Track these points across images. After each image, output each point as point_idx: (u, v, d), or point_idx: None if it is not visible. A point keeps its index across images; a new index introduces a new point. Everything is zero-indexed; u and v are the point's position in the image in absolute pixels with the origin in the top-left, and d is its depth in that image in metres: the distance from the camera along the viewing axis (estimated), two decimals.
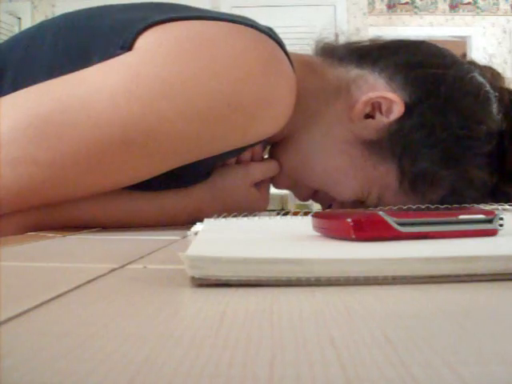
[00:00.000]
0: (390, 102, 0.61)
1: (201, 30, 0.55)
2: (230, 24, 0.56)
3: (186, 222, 0.63)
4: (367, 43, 0.69)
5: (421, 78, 0.62)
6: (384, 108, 0.62)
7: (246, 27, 0.56)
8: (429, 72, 0.62)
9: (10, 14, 3.94)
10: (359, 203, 0.69)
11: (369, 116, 0.63)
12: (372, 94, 0.62)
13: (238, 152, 0.63)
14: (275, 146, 0.71)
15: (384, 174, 0.64)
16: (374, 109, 0.63)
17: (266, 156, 0.74)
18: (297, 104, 0.60)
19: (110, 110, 0.49)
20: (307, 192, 0.72)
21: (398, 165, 0.63)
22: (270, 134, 0.59)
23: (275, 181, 0.73)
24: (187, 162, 0.57)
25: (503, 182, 0.64)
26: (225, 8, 3.88)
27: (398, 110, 0.61)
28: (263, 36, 0.56)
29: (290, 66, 0.57)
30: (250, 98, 0.53)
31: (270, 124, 0.57)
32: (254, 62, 0.54)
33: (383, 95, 0.62)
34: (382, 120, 0.62)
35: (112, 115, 0.49)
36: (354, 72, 0.65)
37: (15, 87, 0.55)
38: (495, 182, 0.64)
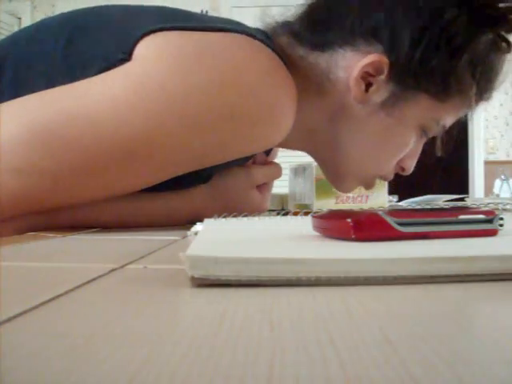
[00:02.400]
0: (372, 64, 0.60)
1: (202, 41, 0.55)
2: (228, 34, 0.56)
3: (187, 222, 0.63)
4: (309, 20, 0.65)
5: (374, 24, 0.60)
6: (373, 72, 0.61)
7: (243, 36, 0.56)
8: (374, 15, 0.60)
9: (10, 14, 3.94)
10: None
11: (368, 85, 0.62)
12: (355, 73, 0.61)
13: (242, 160, 0.63)
14: (323, 162, 0.71)
15: (423, 106, 0.63)
16: (366, 78, 0.62)
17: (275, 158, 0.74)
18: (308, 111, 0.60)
19: (113, 122, 0.49)
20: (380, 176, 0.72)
21: (423, 91, 0.62)
22: (274, 143, 0.59)
23: (344, 191, 0.74)
24: (191, 170, 0.57)
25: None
26: (225, 8, 3.88)
27: (383, 62, 0.60)
28: (261, 45, 0.56)
29: (289, 74, 0.57)
30: (253, 108, 0.53)
31: (273, 133, 0.57)
32: (255, 72, 0.54)
33: (362, 65, 0.60)
34: (381, 79, 0.61)
35: (115, 127, 0.49)
36: (322, 59, 0.63)
37: (15, 85, 0.55)
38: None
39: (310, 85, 0.64)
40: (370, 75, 0.61)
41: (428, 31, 0.59)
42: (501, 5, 0.60)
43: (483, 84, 0.63)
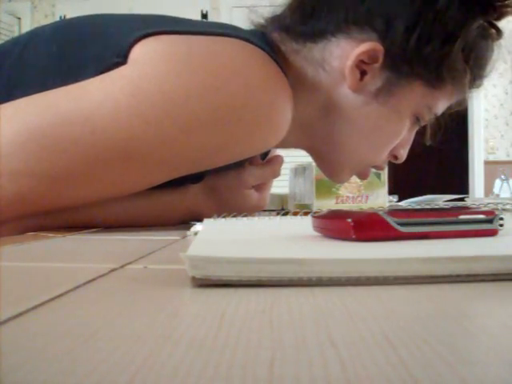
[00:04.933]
0: (367, 52, 0.60)
1: (198, 45, 0.55)
2: (225, 38, 0.56)
3: (183, 219, 0.64)
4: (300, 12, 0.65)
5: (367, 11, 0.60)
6: (368, 60, 0.61)
7: (238, 40, 0.56)
8: (367, 3, 0.60)
9: (10, 14, 3.94)
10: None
11: (363, 74, 0.62)
12: (350, 62, 0.60)
13: (237, 164, 0.63)
14: (318, 155, 0.71)
15: (417, 94, 0.63)
16: (361, 67, 0.61)
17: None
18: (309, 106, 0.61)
19: (111, 126, 0.49)
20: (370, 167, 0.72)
21: (417, 78, 0.62)
22: (270, 146, 0.60)
23: (340, 182, 0.75)
24: (188, 173, 0.57)
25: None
26: (225, 8, 3.88)
27: (378, 50, 0.60)
28: (256, 49, 0.56)
29: (285, 78, 0.57)
30: (250, 112, 0.54)
31: (270, 137, 0.57)
32: (253, 76, 0.54)
33: (357, 54, 0.60)
34: (375, 67, 0.61)
35: (113, 131, 0.49)
36: (316, 51, 0.63)
37: (8, 88, 0.55)
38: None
39: (305, 79, 0.64)
40: (365, 63, 0.61)
41: (422, 18, 0.59)
42: None
43: (476, 70, 0.64)
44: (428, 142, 0.73)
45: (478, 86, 0.68)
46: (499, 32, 0.64)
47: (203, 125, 0.52)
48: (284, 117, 0.57)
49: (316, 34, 0.62)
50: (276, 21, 0.66)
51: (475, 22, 0.61)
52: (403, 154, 0.71)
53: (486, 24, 0.62)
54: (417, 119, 0.66)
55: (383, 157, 0.69)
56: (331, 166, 0.71)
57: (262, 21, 0.67)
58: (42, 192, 0.50)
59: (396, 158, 0.71)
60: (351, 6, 0.60)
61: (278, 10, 0.66)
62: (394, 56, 0.60)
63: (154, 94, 0.50)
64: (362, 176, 0.73)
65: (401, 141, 0.68)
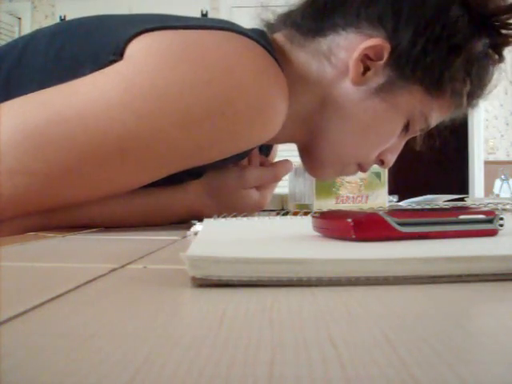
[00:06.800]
0: (373, 47, 0.61)
1: (192, 39, 0.55)
2: (220, 32, 0.56)
3: (183, 218, 0.64)
4: (312, 6, 0.66)
5: (379, 12, 0.61)
6: (373, 56, 0.61)
7: (233, 34, 0.56)
8: (380, 4, 0.61)
9: (10, 14, 3.95)
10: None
11: (366, 69, 0.63)
12: (356, 54, 0.61)
13: (236, 157, 0.63)
14: (304, 148, 0.71)
15: (416, 98, 0.64)
16: (365, 62, 0.62)
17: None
18: (303, 103, 0.61)
19: (105, 123, 0.49)
20: (355, 166, 0.72)
21: (418, 82, 0.62)
22: (264, 139, 0.59)
23: (320, 178, 0.74)
24: (183, 169, 0.57)
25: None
26: (225, 8, 3.88)
27: (384, 48, 0.61)
28: (251, 42, 0.56)
29: (281, 71, 0.57)
30: (244, 105, 0.54)
31: (264, 130, 0.57)
32: (246, 69, 0.54)
33: (364, 47, 0.61)
34: (379, 64, 0.62)
35: (108, 127, 0.49)
36: (324, 44, 0.63)
37: (7, 87, 0.55)
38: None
39: (307, 74, 0.64)
40: (369, 59, 0.62)
41: (431, 25, 0.60)
42: (495, 18, 0.62)
43: (475, 87, 0.65)
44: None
45: (474, 106, 0.68)
46: (501, 58, 0.65)
47: (197, 119, 0.52)
48: (278, 110, 0.57)
49: (327, 28, 0.63)
50: (287, 17, 0.66)
51: (481, 40, 0.62)
52: (390, 160, 0.71)
53: (489, 49, 0.63)
54: (407, 127, 0.66)
55: (371, 157, 0.69)
56: (315, 161, 0.71)
57: (272, 17, 0.68)
58: (38, 190, 0.50)
59: (383, 162, 0.71)
60: (364, 3, 0.61)
61: (291, 7, 0.67)
62: (399, 57, 0.61)
63: (146, 89, 0.50)
64: (347, 173, 0.73)
65: (390, 146, 0.68)
